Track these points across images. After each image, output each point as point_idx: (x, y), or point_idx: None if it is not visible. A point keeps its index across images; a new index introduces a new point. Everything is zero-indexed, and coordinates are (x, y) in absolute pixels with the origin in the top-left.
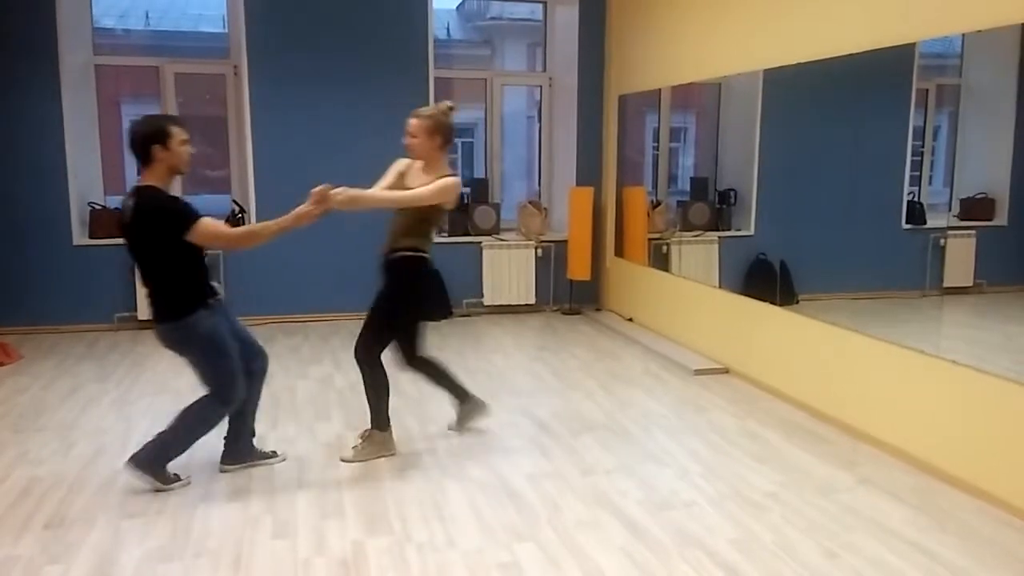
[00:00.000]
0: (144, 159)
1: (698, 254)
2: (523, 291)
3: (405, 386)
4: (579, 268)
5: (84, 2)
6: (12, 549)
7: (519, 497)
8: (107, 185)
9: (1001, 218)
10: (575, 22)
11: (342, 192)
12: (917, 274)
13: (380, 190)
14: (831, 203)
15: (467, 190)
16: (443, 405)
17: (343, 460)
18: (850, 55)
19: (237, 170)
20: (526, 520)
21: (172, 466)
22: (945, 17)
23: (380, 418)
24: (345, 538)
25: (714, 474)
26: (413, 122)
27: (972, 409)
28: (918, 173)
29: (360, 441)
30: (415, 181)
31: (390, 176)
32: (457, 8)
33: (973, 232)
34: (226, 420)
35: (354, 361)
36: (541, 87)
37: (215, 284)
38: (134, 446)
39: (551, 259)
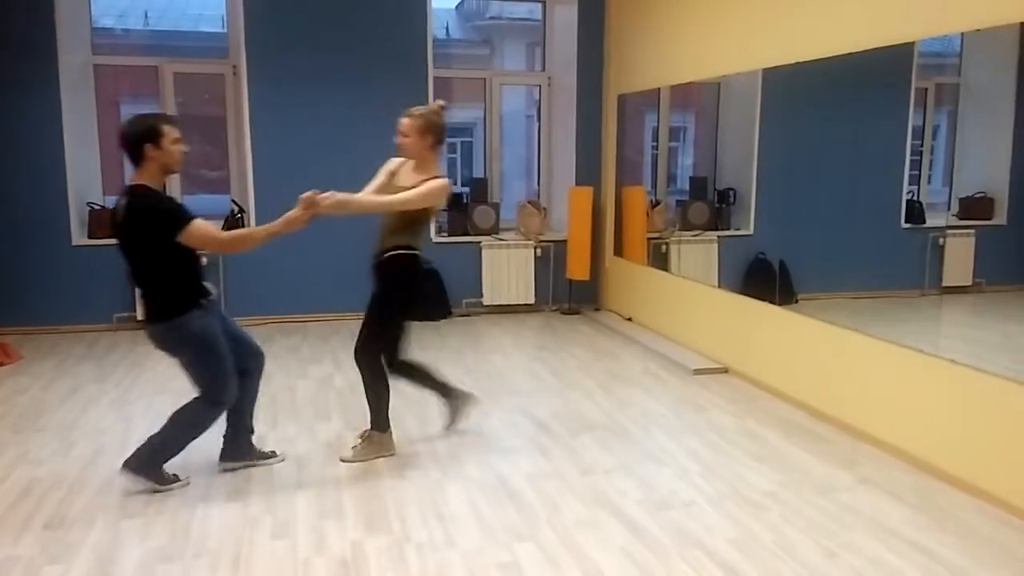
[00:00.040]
0: (136, 158)
1: (697, 254)
2: (522, 291)
3: (405, 386)
4: (578, 268)
5: (83, 2)
6: (12, 549)
7: (518, 497)
8: (106, 185)
9: (1000, 217)
10: (574, 22)
11: (329, 197)
12: (916, 273)
13: (368, 194)
14: (830, 202)
15: (466, 190)
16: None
17: (343, 460)
18: (849, 54)
19: (236, 170)
20: (525, 520)
21: (170, 466)
22: (944, 16)
23: (380, 419)
24: (345, 538)
25: (713, 474)
26: (405, 121)
27: (971, 408)
28: (917, 172)
29: (360, 441)
30: (406, 181)
31: (381, 176)
32: (456, 8)
33: (972, 231)
34: (224, 419)
35: (354, 363)
36: (540, 87)
37: (208, 284)
38: (134, 446)
39: (550, 259)
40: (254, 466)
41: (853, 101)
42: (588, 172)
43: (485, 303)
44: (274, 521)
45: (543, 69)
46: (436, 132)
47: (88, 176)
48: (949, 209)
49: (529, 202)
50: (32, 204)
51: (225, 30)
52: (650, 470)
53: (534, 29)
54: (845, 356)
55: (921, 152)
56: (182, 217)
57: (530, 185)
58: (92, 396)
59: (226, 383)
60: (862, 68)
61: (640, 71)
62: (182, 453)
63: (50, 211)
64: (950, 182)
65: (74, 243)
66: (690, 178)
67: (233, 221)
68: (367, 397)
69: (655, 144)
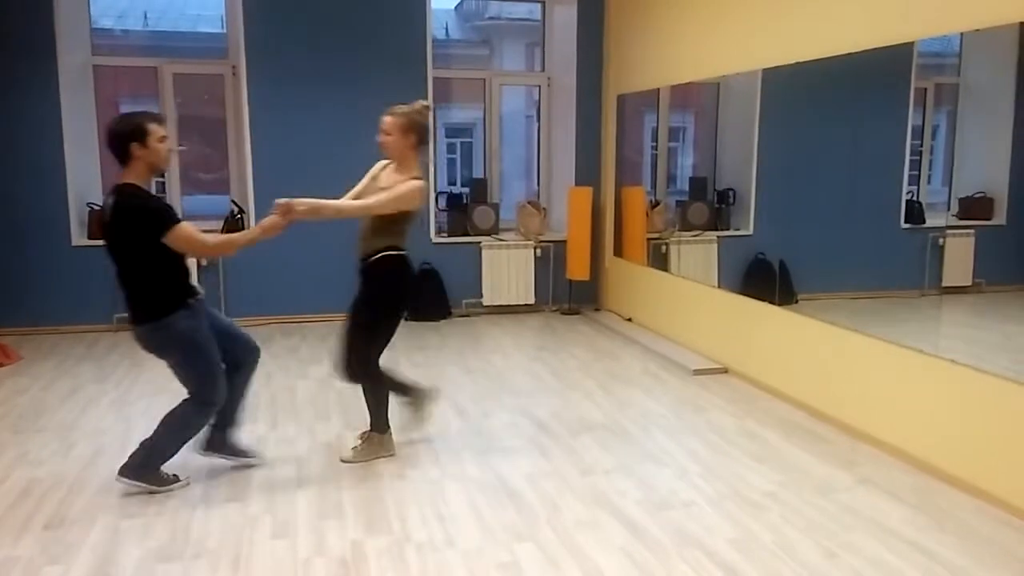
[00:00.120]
0: (123, 158)
1: (697, 254)
2: (522, 291)
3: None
4: (578, 268)
5: (82, 2)
6: (12, 550)
7: (518, 497)
8: (105, 186)
9: (1000, 217)
10: (573, 22)
11: (303, 203)
12: (916, 273)
13: (344, 199)
14: (830, 202)
15: (466, 190)
16: (442, 405)
17: (343, 460)
18: (849, 54)
19: (236, 170)
20: (525, 520)
21: (170, 467)
22: (944, 16)
23: (380, 421)
24: (344, 538)
25: (713, 474)
26: (387, 119)
27: (971, 408)
28: (917, 172)
29: (359, 442)
30: (387, 181)
31: (365, 179)
32: (455, 8)
33: (972, 231)
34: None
35: (345, 379)
36: (540, 87)
37: (195, 284)
38: (133, 447)
39: (550, 259)
40: (227, 459)
41: (853, 101)
42: (588, 172)
43: (485, 303)
44: (274, 521)
45: (542, 69)
46: (419, 131)
47: (88, 177)
48: (949, 209)
49: (529, 202)
50: (32, 204)
51: (224, 30)
52: (650, 470)
53: (533, 29)
54: (845, 356)
55: (921, 152)
56: (169, 219)
57: (530, 185)
58: (92, 396)
59: (215, 383)
60: (862, 68)
61: (640, 71)
62: (181, 453)
63: (50, 211)
64: (950, 182)
65: (74, 243)
66: (690, 178)
67: (233, 222)
68: (366, 400)
69: (655, 144)
